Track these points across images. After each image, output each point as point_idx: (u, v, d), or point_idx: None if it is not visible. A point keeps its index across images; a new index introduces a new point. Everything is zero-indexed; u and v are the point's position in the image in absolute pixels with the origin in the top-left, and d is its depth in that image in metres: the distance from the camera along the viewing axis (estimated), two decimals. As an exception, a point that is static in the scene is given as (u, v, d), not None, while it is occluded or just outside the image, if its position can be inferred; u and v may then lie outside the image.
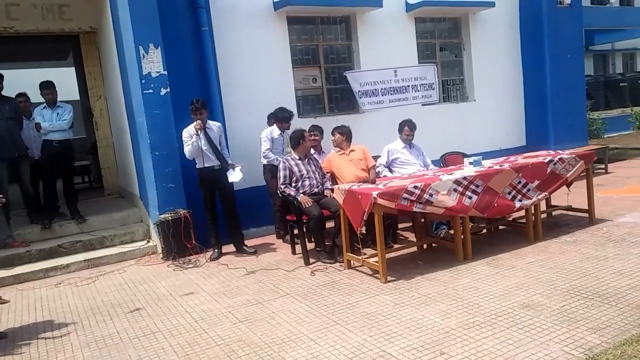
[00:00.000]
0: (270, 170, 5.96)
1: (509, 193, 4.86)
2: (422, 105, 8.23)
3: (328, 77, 7.77)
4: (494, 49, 8.88)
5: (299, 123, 6.61)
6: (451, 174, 4.86)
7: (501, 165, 5.08)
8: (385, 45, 7.80)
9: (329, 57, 7.77)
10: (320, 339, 3.50)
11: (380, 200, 4.26)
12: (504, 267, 4.60)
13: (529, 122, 9.37)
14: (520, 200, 4.94)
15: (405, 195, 4.37)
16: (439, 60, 8.61)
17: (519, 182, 4.91)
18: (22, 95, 6.69)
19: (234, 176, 5.67)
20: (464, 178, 4.66)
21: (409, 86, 8.12)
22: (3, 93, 6.07)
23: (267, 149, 6.08)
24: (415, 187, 4.43)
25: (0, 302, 4.46)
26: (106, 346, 3.73)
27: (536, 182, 5.04)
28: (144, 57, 5.51)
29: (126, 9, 5.53)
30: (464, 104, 8.84)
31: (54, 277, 5.53)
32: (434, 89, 8.33)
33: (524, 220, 5.50)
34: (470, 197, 4.63)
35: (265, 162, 6.12)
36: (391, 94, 8.00)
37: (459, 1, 7.88)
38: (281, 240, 6.26)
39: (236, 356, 3.37)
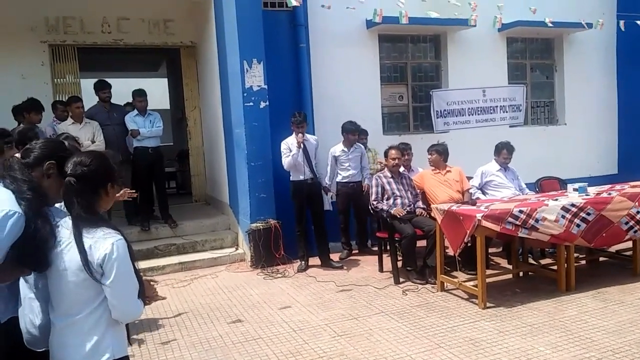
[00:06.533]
0: (342, 187, 6.17)
1: (626, 223, 4.59)
2: (509, 127, 8.03)
3: (415, 95, 7.74)
4: (588, 72, 8.51)
5: (383, 140, 6.65)
6: (556, 199, 4.67)
7: (609, 194, 4.83)
8: (474, 64, 7.68)
9: (417, 75, 7.75)
10: (426, 361, 3.46)
11: (484, 223, 4.17)
12: (611, 301, 4.37)
13: (622, 150, 8.86)
14: (636, 232, 4.65)
15: (510, 219, 4.25)
16: (529, 81, 8.38)
17: (638, 212, 4.63)
18: (129, 104, 7.11)
19: (326, 204, 5.93)
20: (572, 205, 4.47)
21: (497, 107, 7.95)
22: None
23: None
24: (521, 211, 4.29)
25: (158, 298, 4.64)
26: (211, 348, 3.86)
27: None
28: (247, 71, 5.73)
29: (233, 26, 5.76)
30: (553, 127, 8.52)
31: (151, 277, 5.79)
32: (521, 111, 8.10)
33: (628, 253, 5.21)
34: (578, 225, 4.42)
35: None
36: (478, 114, 7.87)
37: (555, 21, 7.62)
38: (349, 257, 6.29)
39: (342, 370, 3.40)
